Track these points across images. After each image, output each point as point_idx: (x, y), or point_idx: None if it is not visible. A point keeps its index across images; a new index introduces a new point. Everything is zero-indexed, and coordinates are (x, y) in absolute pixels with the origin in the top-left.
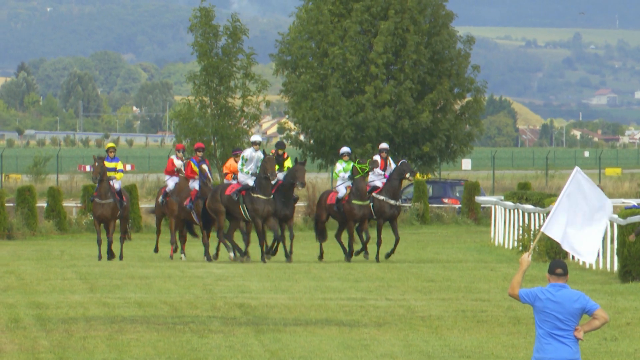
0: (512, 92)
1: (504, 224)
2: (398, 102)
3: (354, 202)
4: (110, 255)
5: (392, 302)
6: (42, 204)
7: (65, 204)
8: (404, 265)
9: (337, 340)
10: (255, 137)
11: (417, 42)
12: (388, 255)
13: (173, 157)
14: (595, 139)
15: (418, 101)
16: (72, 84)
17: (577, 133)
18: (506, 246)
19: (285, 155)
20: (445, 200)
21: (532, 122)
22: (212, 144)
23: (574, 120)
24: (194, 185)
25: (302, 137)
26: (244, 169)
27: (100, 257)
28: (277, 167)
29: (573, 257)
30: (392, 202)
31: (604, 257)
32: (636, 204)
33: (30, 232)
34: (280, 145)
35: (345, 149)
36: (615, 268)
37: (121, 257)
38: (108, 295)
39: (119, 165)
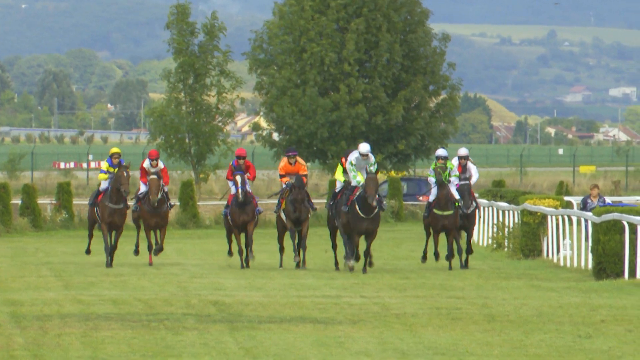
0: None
1: (478, 222)
2: (372, 99)
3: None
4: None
5: (366, 300)
6: (16, 201)
7: (40, 201)
8: (379, 263)
9: (311, 337)
10: (364, 148)
11: (390, 40)
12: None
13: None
14: (570, 136)
15: (392, 98)
16: (47, 81)
17: (551, 130)
18: (481, 244)
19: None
20: (420, 198)
21: (507, 120)
22: (187, 141)
23: (548, 117)
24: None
25: (275, 136)
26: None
27: (110, 264)
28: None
29: (548, 254)
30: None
31: (579, 254)
32: (610, 202)
33: (5, 229)
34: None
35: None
36: (590, 266)
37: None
38: (83, 292)
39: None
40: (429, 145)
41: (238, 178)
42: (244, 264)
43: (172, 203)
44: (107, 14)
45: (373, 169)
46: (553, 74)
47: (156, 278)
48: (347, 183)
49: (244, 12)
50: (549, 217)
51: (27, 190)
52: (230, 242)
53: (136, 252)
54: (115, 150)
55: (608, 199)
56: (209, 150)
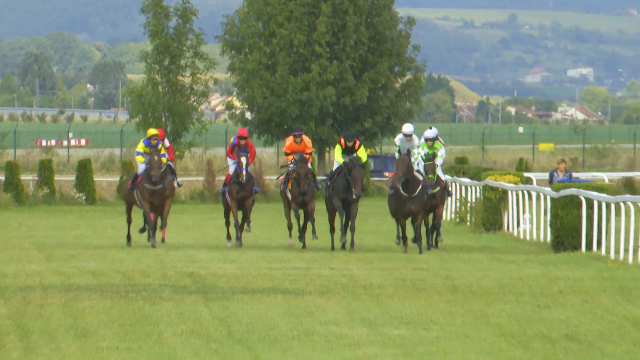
0: (451, 71)
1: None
2: (341, 80)
3: None
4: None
5: (335, 272)
6: (0, 177)
7: (22, 177)
8: (347, 237)
9: (282, 307)
10: (407, 128)
11: (356, 23)
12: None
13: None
14: (529, 115)
15: (359, 79)
16: (28, 63)
17: (512, 110)
18: (444, 218)
19: (357, 145)
20: (386, 174)
21: (470, 100)
22: (163, 119)
23: (509, 97)
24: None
25: (247, 115)
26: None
27: (152, 240)
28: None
29: (508, 228)
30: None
31: (538, 228)
32: (559, 178)
33: None
34: (348, 137)
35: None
36: (549, 239)
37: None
38: (64, 264)
39: (162, 150)
40: (395, 124)
41: (243, 160)
42: (239, 237)
43: (180, 182)
44: None
45: (416, 150)
46: (513, 56)
47: (134, 251)
48: (345, 164)
49: None
50: (510, 193)
51: (10, 167)
52: (228, 224)
53: (142, 229)
54: (152, 131)
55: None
56: (184, 129)
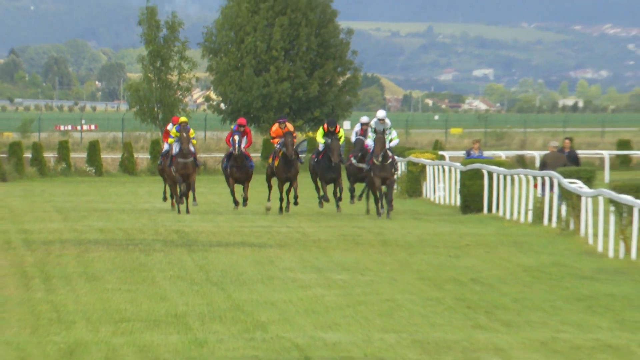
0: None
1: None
2: (295, 77)
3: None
4: (186, 202)
5: (291, 229)
6: (27, 155)
7: (45, 154)
8: (301, 201)
9: (249, 257)
10: (381, 114)
11: (307, 33)
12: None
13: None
14: (443, 106)
15: (310, 77)
16: (50, 64)
17: (429, 101)
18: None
19: (337, 129)
20: None
21: (396, 93)
22: (156, 109)
23: (427, 91)
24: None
25: (222, 106)
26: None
27: (179, 210)
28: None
29: (427, 195)
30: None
31: (450, 195)
32: (465, 155)
33: (19, 176)
34: (331, 122)
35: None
36: (458, 203)
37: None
38: (77, 223)
39: (192, 133)
40: (338, 113)
41: (236, 137)
42: (243, 204)
43: (199, 163)
44: (95, 13)
45: (388, 131)
46: (431, 59)
47: (133, 213)
48: (329, 141)
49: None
50: (428, 167)
51: (35, 147)
52: (233, 193)
53: (164, 199)
54: (184, 119)
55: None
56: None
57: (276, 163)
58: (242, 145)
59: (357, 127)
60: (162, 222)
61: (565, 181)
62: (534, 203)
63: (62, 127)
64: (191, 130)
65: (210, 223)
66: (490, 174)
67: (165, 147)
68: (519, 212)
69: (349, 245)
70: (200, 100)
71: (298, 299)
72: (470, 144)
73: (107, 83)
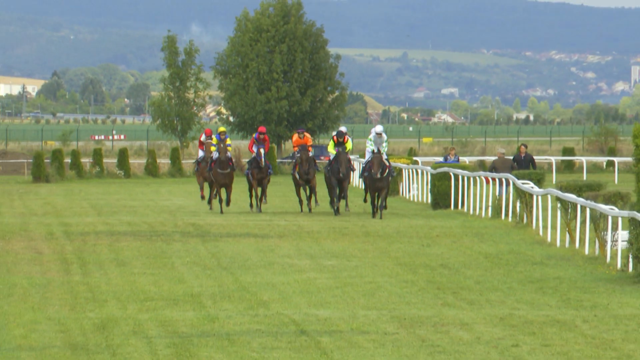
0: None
1: (359, 173)
2: (291, 96)
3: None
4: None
5: (288, 222)
6: (67, 160)
7: (82, 160)
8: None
9: (254, 246)
10: (379, 128)
11: (302, 58)
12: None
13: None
14: (416, 119)
15: (304, 95)
16: (86, 84)
17: (405, 115)
18: (360, 187)
19: (346, 140)
20: (322, 158)
21: (377, 109)
22: (175, 122)
23: (402, 107)
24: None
25: (231, 119)
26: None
27: (211, 205)
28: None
29: (403, 193)
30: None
31: (422, 193)
32: (443, 160)
33: (60, 178)
34: (340, 134)
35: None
36: (429, 201)
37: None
38: (109, 218)
39: (228, 141)
40: (328, 124)
41: (262, 151)
42: (259, 208)
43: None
44: (125, 42)
45: (384, 145)
46: (405, 79)
47: (155, 209)
48: (337, 153)
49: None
50: (404, 170)
51: (74, 154)
52: (251, 196)
53: (202, 197)
54: (222, 129)
55: (440, 159)
56: (189, 128)
57: (297, 168)
58: (264, 154)
59: (372, 136)
60: (180, 216)
61: (519, 182)
62: (493, 200)
63: (96, 137)
64: (227, 139)
65: (220, 217)
66: (456, 176)
67: (200, 154)
68: (480, 208)
69: (337, 236)
70: (213, 114)
71: (294, 281)
72: (444, 151)
73: (135, 100)
